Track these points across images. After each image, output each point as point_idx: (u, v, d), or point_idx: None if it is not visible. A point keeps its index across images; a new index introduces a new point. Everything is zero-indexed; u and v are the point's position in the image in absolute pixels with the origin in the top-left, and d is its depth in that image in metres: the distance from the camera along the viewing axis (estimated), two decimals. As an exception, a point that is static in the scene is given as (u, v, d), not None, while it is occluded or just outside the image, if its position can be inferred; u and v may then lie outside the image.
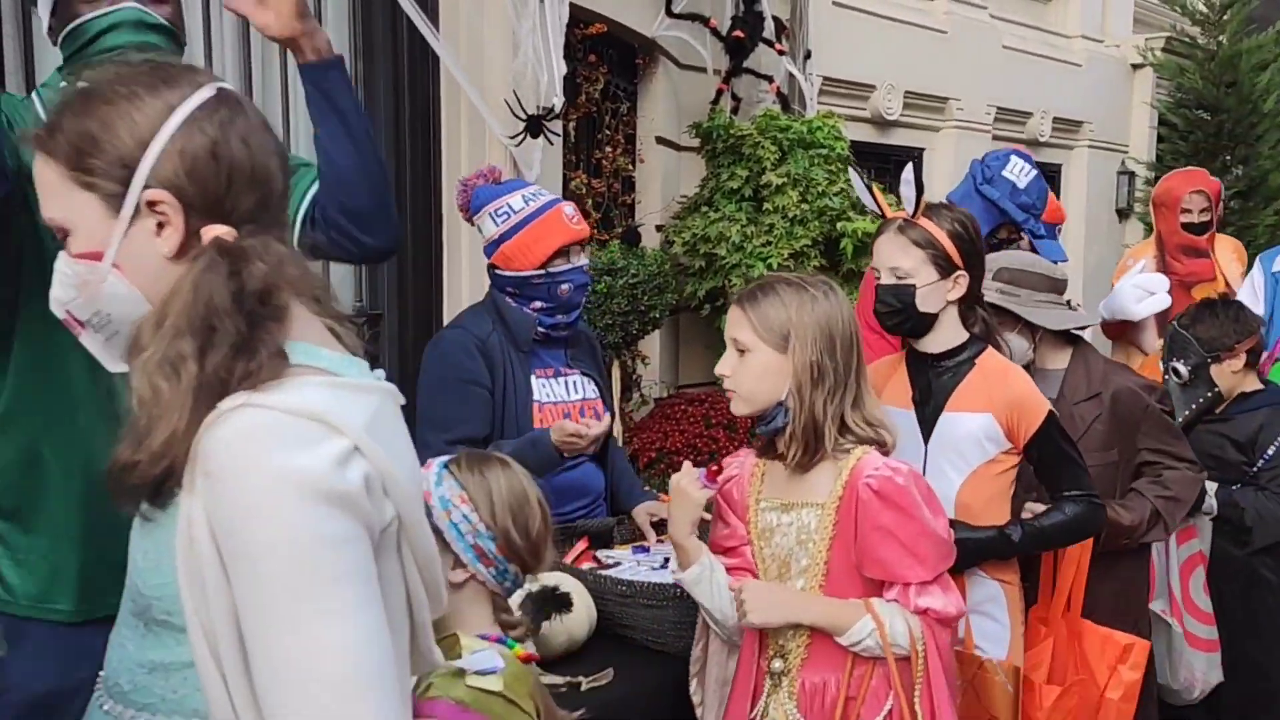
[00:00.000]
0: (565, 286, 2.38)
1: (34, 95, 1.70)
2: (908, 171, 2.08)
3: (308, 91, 1.83)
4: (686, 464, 1.84)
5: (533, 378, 2.40)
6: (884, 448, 1.76)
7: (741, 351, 1.77)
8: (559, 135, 3.59)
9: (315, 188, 1.86)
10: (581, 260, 2.42)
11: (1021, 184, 3.02)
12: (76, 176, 0.99)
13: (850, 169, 2.24)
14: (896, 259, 2.05)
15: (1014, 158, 3.05)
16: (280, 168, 1.05)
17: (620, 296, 3.98)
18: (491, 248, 2.40)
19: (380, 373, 1.05)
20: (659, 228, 4.93)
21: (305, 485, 0.87)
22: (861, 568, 1.72)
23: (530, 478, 1.51)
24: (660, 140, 4.91)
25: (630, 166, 4.75)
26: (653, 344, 4.83)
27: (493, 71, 3.38)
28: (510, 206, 2.37)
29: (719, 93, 5.03)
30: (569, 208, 2.42)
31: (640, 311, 4.03)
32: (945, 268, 2.04)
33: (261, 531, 0.87)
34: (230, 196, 1.00)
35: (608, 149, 4.56)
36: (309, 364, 0.98)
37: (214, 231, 0.99)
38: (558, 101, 3.42)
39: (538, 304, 2.39)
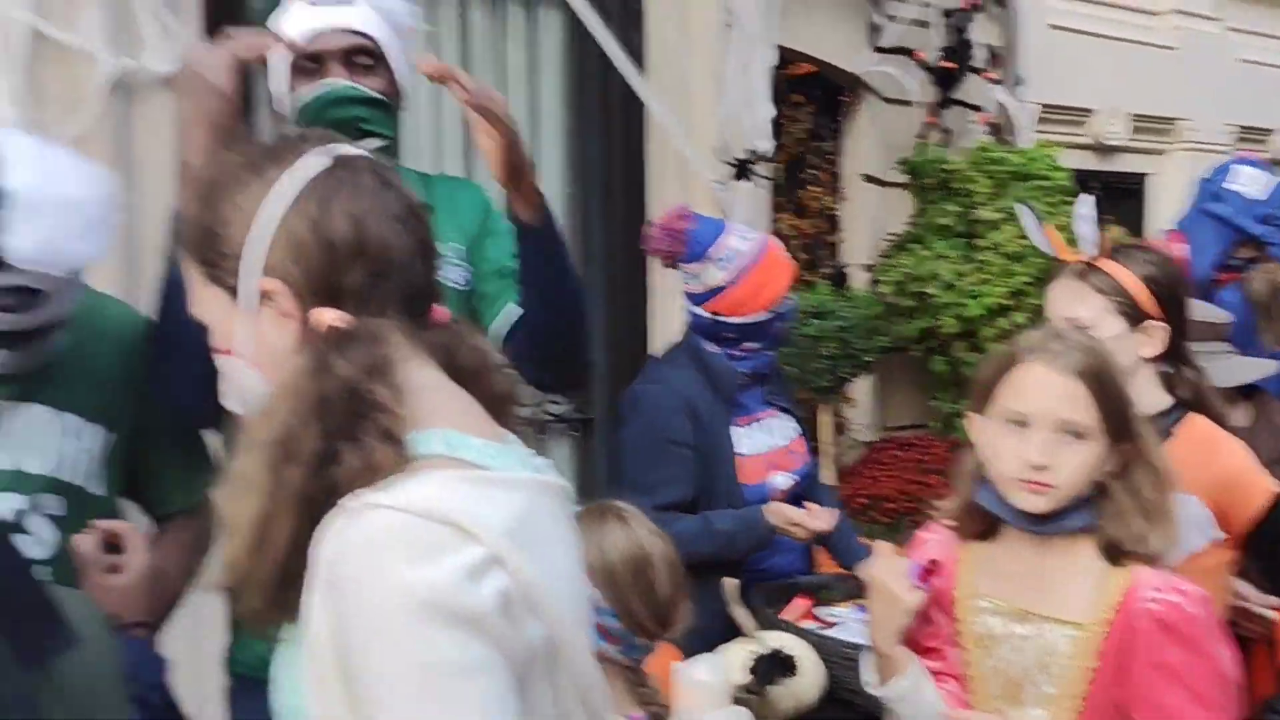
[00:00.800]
0: (783, 325, 2.30)
1: None
2: (1084, 206, 1.79)
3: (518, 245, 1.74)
4: (881, 548, 1.52)
5: (734, 428, 2.29)
6: (1156, 558, 1.43)
7: (1073, 435, 1.40)
8: (766, 179, 3.56)
9: (512, 309, 1.77)
10: (792, 296, 2.34)
11: (1253, 193, 2.68)
12: (203, 271, 0.96)
13: (1018, 205, 1.96)
14: (1073, 308, 1.73)
15: (1237, 166, 2.71)
16: (408, 230, 0.95)
17: (829, 340, 3.88)
18: (711, 294, 2.25)
19: (544, 463, 0.95)
20: (866, 267, 4.81)
21: (429, 604, 0.78)
22: (1130, 709, 1.39)
23: (654, 531, 1.35)
24: (866, 177, 4.80)
25: (835, 205, 4.66)
26: (859, 385, 4.69)
27: (700, 117, 3.39)
28: (733, 249, 2.24)
29: (927, 126, 4.88)
30: (775, 240, 2.35)
31: (849, 355, 3.91)
32: (1134, 317, 1.71)
33: (380, 655, 0.79)
34: (336, 275, 0.92)
35: (812, 188, 4.49)
36: (450, 455, 0.87)
37: (322, 317, 0.91)
38: (766, 145, 3.39)
39: (752, 344, 2.28)
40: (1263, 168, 2.65)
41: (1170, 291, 1.74)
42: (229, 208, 0.94)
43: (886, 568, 1.49)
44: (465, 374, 0.98)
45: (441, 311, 1.01)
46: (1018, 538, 1.46)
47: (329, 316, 0.91)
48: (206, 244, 0.94)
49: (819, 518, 2.13)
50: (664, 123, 3.27)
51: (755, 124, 3.39)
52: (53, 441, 1.52)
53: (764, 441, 2.33)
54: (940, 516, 1.56)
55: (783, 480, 2.32)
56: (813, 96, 4.36)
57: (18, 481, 1.49)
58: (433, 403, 0.91)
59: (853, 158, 4.81)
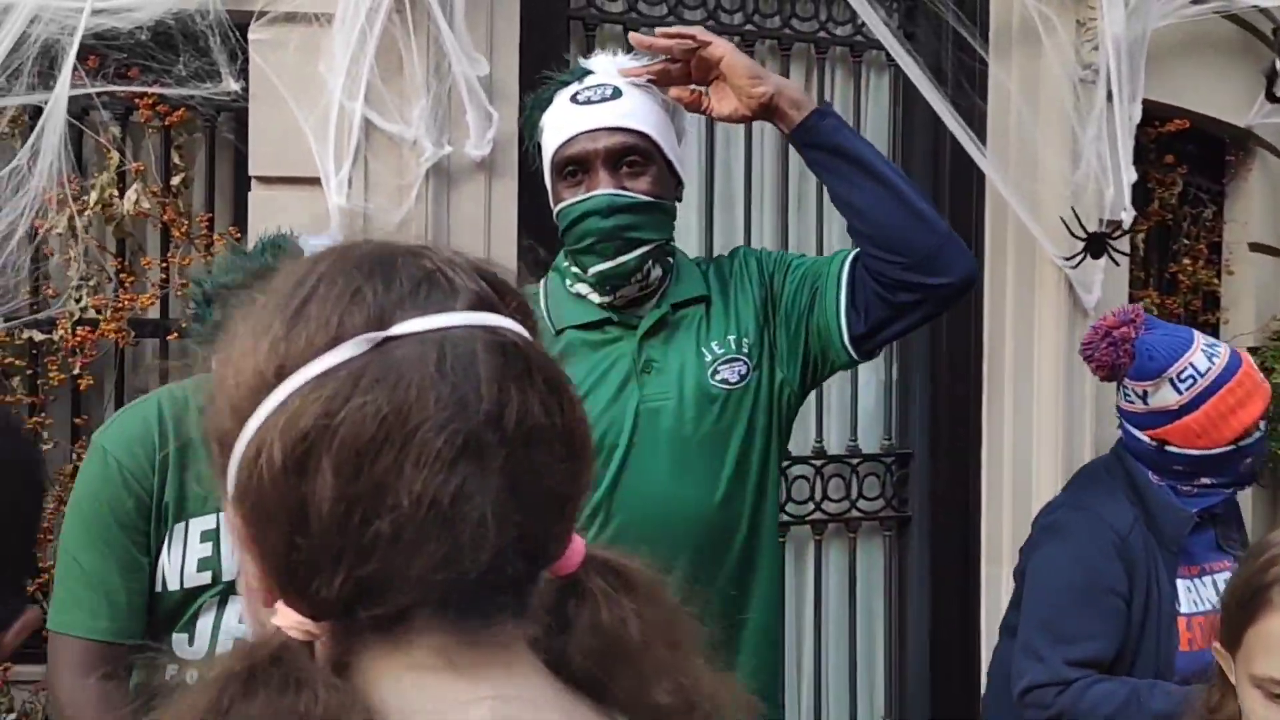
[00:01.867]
0: (1250, 460, 1.91)
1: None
2: None
3: (806, 156, 1.67)
4: None
5: (1177, 579, 1.94)
6: None
7: None
8: (1125, 254, 3.09)
9: (847, 263, 1.65)
10: (1260, 426, 1.92)
11: None
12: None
13: None
14: None
15: None
16: (496, 478, 0.55)
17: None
18: (1160, 419, 1.93)
19: None
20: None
21: None
22: None
23: None
24: (1255, 246, 4.12)
25: (1215, 280, 4.04)
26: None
27: (1047, 186, 3.00)
28: (1195, 368, 1.90)
29: (1337, 185, 4.11)
30: (1248, 356, 1.95)
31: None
32: None
33: None
34: (303, 576, 0.56)
35: (1185, 260, 3.91)
36: None
37: (281, 619, 0.57)
38: (1126, 217, 2.95)
39: (1206, 480, 1.92)
40: None
41: None
42: (223, 365, 0.59)
43: None
44: (620, 653, 0.62)
45: (571, 556, 0.62)
46: None
47: (287, 621, 0.56)
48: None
49: None
50: (1005, 194, 2.92)
51: (1115, 193, 2.95)
52: None
53: (1210, 598, 1.95)
54: None
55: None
56: (1186, 155, 3.80)
57: None
58: None
59: (1238, 224, 4.16)
